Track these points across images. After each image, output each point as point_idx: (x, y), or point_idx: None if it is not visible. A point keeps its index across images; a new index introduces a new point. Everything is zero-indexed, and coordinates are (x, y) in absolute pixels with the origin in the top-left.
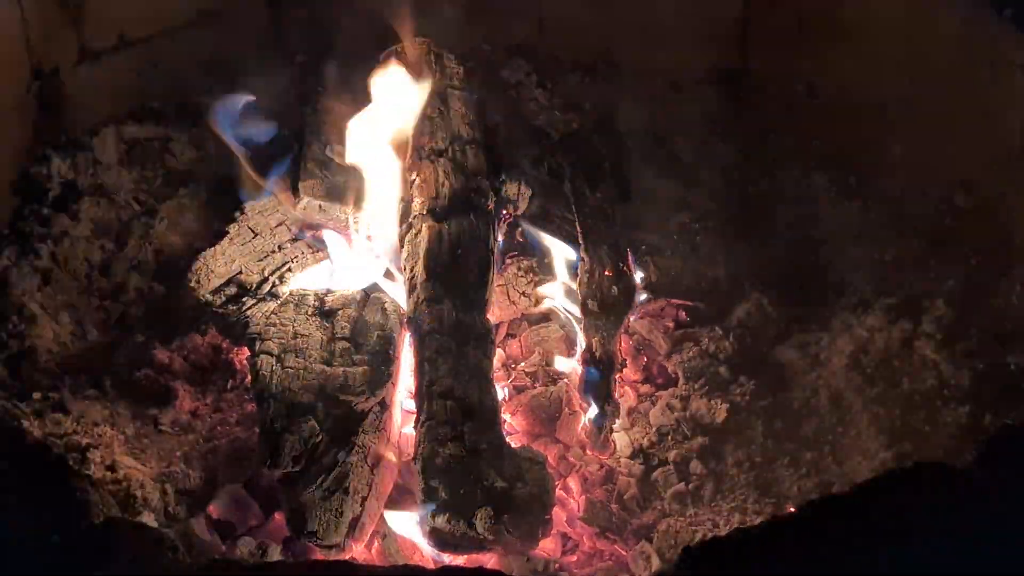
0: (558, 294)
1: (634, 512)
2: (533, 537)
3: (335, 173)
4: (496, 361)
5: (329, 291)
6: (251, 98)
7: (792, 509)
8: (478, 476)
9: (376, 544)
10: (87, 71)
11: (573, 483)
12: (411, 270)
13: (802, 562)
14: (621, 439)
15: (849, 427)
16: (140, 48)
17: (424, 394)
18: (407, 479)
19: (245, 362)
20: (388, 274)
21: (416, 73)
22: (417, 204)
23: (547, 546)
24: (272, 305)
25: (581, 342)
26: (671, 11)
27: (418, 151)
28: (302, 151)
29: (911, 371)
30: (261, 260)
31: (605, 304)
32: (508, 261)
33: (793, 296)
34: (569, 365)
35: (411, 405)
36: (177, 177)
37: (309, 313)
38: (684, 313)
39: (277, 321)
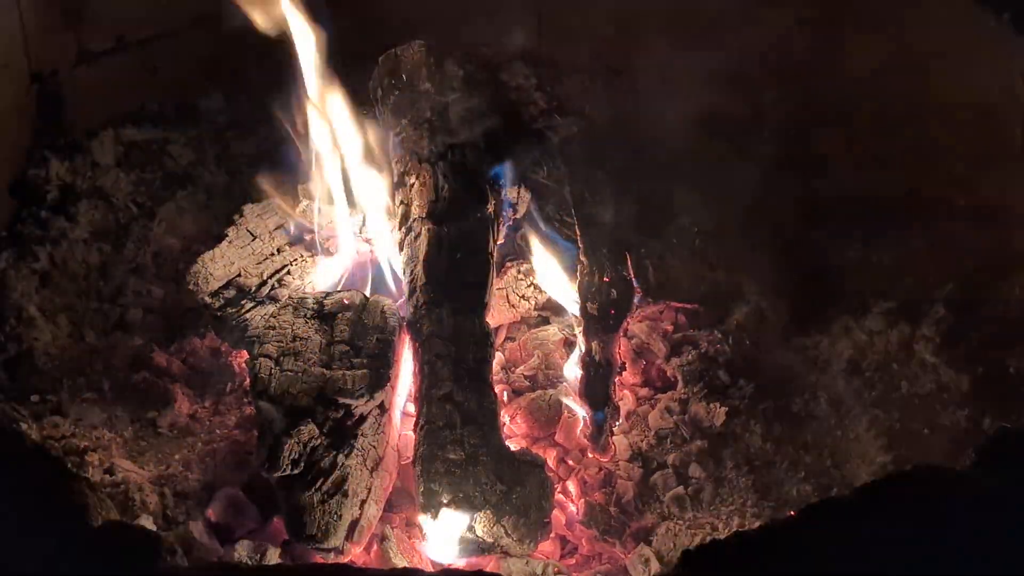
0: (560, 294)
1: (633, 515)
2: (532, 540)
3: (334, 176)
4: (495, 364)
5: (328, 294)
6: None
7: (791, 512)
8: (477, 479)
9: (375, 547)
10: (85, 73)
11: (572, 486)
12: (411, 273)
13: (801, 565)
14: (620, 442)
15: (848, 430)
16: (138, 50)
17: (423, 397)
18: (406, 482)
19: (244, 365)
20: (388, 277)
21: (415, 76)
22: (416, 207)
23: (546, 549)
24: (271, 308)
25: (580, 345)
26: (670, 13)
27: (417, 154)
28: (301, 154)
29: (910, 374)
30: (260, 263)
31: (604, 307)
32: (507, 264)
33: (792, 299)
34: (569, 368)
35: (410, 408)
36: (175, 179)
37: (308, 316)
38: (683, 316)
39: (276, 324)
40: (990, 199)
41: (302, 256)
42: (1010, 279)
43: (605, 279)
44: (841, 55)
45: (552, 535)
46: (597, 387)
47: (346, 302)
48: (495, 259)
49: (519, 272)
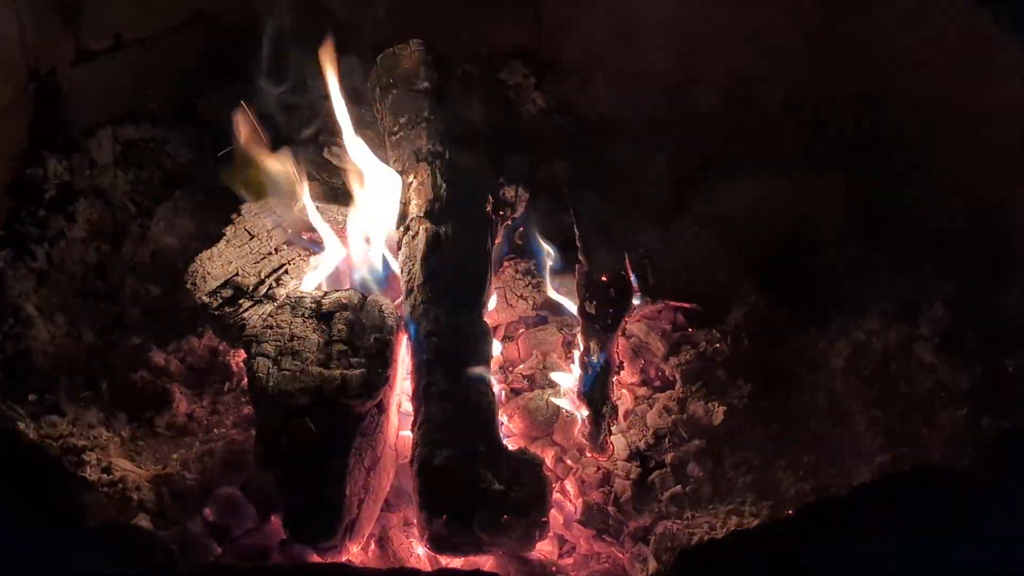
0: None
1: (631, 515)
2: (530, 539)
3: (332, 175)
4: (494, 363)
5: (326, 293)
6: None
7: (789, 512)
8: (475, 478)
9: (373, 546)
10: (83, 72)
11: (570, 485)
12: (409, 272)
13: (799, 565)
14: (618, 441)
15: (847, 430)
16: (136, 49)
17: (421, 396)
18: (404, 481)
19: (242, 364)
20: (387, 277)
21: (413, 75)
22: (415, 206)
23: (544, 548)
24: (269, 307)
25: (579, 344)
26: (669, 15)
27: (415, 153)
28: (298, 153)
29: (909, 374)
30: (258, 262)
31: (603, 307)
32: (506, 264)
33: (790, 299)
34: (567, 368)
35: (409, 407)
36: (173, 178)
37: (306, 315)
38: (681, 316)
39: (274, 323)
40: (990, 199)
41: (300, 255)
42: (1009, 279)
43: (604, 278)
44: (840, 56)
45: (550, 534)
46: (595, 386)
47: (344, 301)
48: (493, 258)
49: (517, 271)
